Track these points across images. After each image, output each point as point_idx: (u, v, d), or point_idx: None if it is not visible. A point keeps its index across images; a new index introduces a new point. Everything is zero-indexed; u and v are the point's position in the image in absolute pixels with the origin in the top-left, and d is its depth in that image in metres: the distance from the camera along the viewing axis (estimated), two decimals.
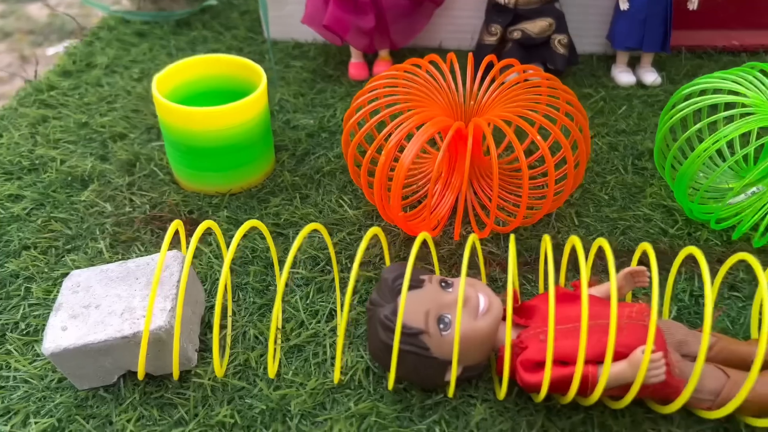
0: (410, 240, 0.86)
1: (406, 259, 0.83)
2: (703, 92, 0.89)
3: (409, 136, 0.80)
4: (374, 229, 0.67)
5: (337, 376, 0.66)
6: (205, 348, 0.73)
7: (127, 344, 0.65)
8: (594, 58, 1.26)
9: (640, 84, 1.18)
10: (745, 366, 0.63)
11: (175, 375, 0.67)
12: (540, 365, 0.60)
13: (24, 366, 0.71)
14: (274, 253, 0.76)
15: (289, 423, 0.65)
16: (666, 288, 0.73)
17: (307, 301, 0.78)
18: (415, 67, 0.90)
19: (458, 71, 0.91)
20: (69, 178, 0.96)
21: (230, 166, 0.91)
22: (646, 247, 0.63)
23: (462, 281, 0.60)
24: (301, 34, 1.30)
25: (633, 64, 1.21)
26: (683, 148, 0.91)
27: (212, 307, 0.78)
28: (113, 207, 0.91)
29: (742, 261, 0.69)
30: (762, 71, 0.86)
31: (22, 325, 0.75)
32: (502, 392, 0.63)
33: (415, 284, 0.64)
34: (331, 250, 0.74)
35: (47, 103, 1.13)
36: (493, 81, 0.90)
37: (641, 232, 0.87)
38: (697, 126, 0.84)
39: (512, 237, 0.66)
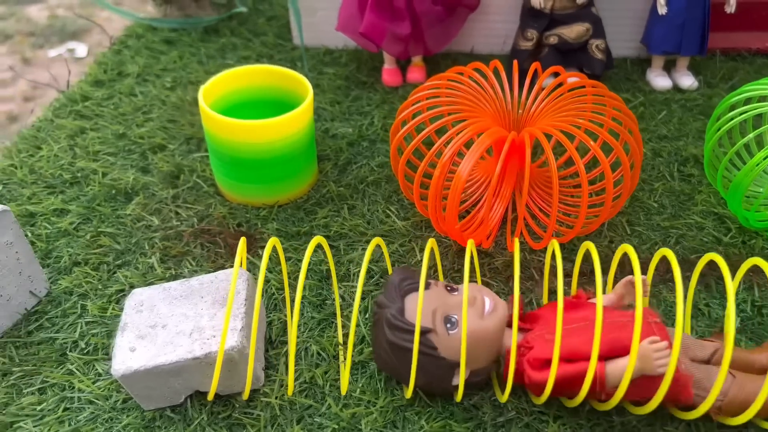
0: (462, 251, 0.86)
1: (459, 271, 0.83)
2: (748, 100, 0.88)
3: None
4: (432, 242, 0.66)
5: (410, 392, 0.66)
6: (268, 365, 0.72)
7: (198, 365, 0.64)
8: (628, 62, 1.25)
9: (676, 88, 1.18)
10: (750, 370, 0.64)
11: (246, 395, 0.66)
12: (548, 363, 0.61)
13: (88, 386, 0.70)
14: (333, 268, 0.76)
15: None
16: (687, 298, 0.73)
17: (366, 316, 0.78)
18: (458, 75, 0.90)
19: (505, 79, 0.91)
20: (113, 191, 0.95)
21: (277, 178, 0.91)
22: (715, 257, 0.62)
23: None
24: (332, 40, 1.29)
25: (668, 68, 1.21)
26: (732, 159, 0.91)
27: (271, 322, 0.77)
28: (160, 220, 0.91)
29: None
30: None
31: (82, 344, 0.75)
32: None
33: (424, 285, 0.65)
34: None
35: (83, 114, 1.12)
36: (541, 89, 0.90)
37: (695, 240, 0.86)
38: (747, 138, 0.84)
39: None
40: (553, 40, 1.15)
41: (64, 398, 0.69)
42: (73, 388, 0.70)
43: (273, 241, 0.67)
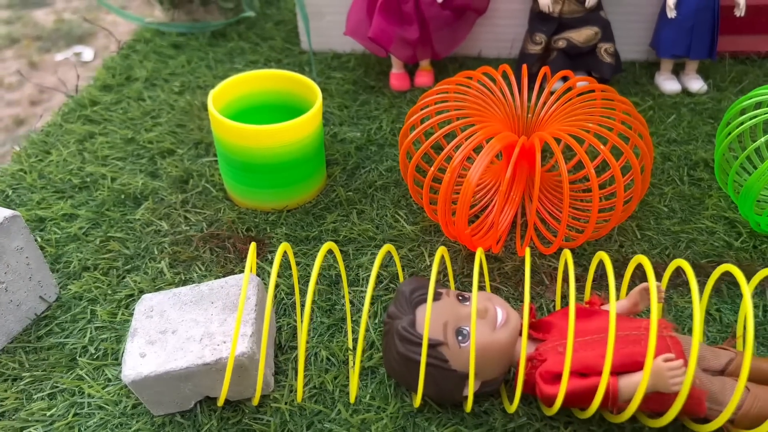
0: (472, 256, 0.85)
1: (469, 276, 0.82)
2: (758, 105, 0.88)
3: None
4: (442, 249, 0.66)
5: (418, 401, 0.65)
6: (277, 371, 0.72)
7: (208, 371, 0.64)
8: (636, 66, 1.25)
9: (685, 91, 1.17)
10: (762, 377, 0.63)
11: (256, 401, 0.66)
12: (560, 377, 0.60)
13: (98, 392, 0.70)
14: (343, 273, 0.75)
15: None
16: (702, 305, 0.72)
17: (376, 321, 0.78)
18: (467, 80, 0.90)
19: (514, 83, 0.91)
20: (122, 196, 0.95)
21: (286, 182, 0.91)
22: (730, 268, 0.62)
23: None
24: (340, 44, 1.29)
25: (677, 72, 1.20)
26: (743, 164, 0.91)
27: (280, 327, 0.77)
28: (169, 225, 0.91)
29: None
30: None
31: (91, 349, 0.75)
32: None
33: (434, 296, 0.64)
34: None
35: (91, 119, 1.12)
36: (550, 93, 0.90)
37: (706, 245, 0.86)
38: (758, 142, 0.84)
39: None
40: (561, 44, 1.15)
41: (74, 404, 0.69)
42: (83, 393, 0.70)
43: (284, 247, 0.66)
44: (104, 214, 0.93)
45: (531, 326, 0.67)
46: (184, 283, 0.82)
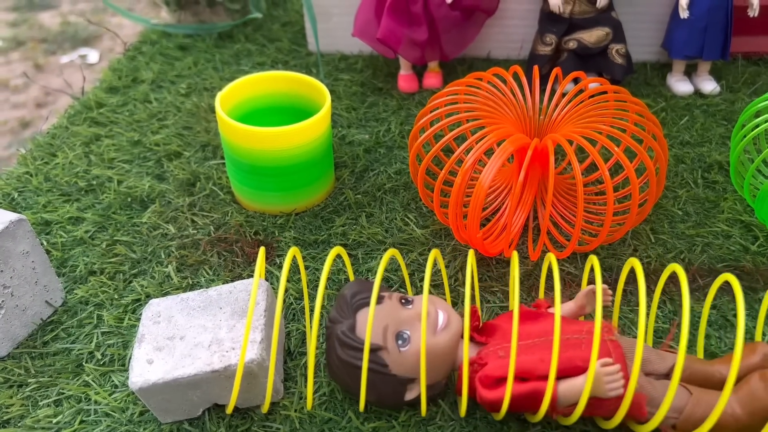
0: (482, 260, 0.84)
1: (481, 279, 0.81)
2: None
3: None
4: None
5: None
6: (286, 377, 0.71)
7: (217, 378, 0.63)
8: (648, 67, 1.23)
9: (698, 93, 1.16)
10: (706, 384, 0.62)
11: (265, 408, 0.65)
12: (499, 381, 0.60)
13: (104, 398, 0.69)
14: (351, 278, 0.74)
15: None
16: (651, 309, 0.71)
17: None
18: (477, 81, 0.89)
19: (525, 85, 0.89)
20: (128, 199, 0.94)
21: (295, 185, 0.89)
22: (729, 277, 0.60)
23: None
24: (347, 46, 1.28)
25: (689, 73, 1.19)
26: (759, 167, 0.89)
27: (289, 333, 0.76)
28: (176, 229, 0.89)
29: None
30: None
31: (98, 355, 0.74)
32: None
33: (376, 300, 0.63)
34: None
35: (98, 121, 1.11)
36: (562, 95, 0.88)
37: (722, 249, 0.84)
38: None
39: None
40: (572, 45, 1.13)
41: (81, 410, 0.68)
42: (90, 400, 0.69)
43: (293, 251, 0.65)
44: (111, 217, 0.91)
45: (475, 329, 0.66)
46: (192, 287, 0.81)
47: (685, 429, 0.60)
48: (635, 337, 0.73)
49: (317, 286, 0.80)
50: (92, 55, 2.41)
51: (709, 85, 1.15)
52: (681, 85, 1.16)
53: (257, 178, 0.88)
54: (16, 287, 0.73)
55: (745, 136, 0.85)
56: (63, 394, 0.70)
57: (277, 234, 0.89)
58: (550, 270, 0.77)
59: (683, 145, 1.03)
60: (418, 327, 0.62)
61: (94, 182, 0.97)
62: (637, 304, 0.77)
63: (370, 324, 0.59)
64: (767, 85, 1.16)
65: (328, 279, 0.82)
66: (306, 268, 0.83)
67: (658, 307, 0.77)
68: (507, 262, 0.84)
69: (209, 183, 0.97)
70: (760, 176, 0.91)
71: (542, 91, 0.90)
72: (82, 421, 0.67)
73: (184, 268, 0.84)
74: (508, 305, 0.78)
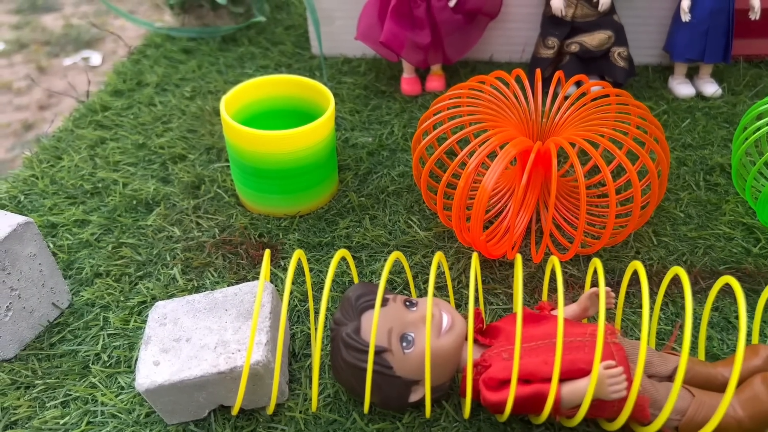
0: (485, 262, 0.85)
1: (484, 281, 0.81)
2: None
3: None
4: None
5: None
6: (291, 379, 0.71)
7: (223, 379, 0.63)
8: (650, 70, 1.24)
9: (699, 95, 1.16)
10: (709, 386, 0.62)
11: (270, 410, 0.66)
12: (503, 383, 0.60)
13: (111, 400, 0.69)
14: (356, 280, 0.75)
15: None
16: (702, 318, 0.71)
17: None
18: (480, 84, 0.89)
19: (528, 88, 0.90)
20: (134, 202, 0.95)
21: (299, 188, 0.90)
22: (730, 280, 0.60)
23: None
24: (350, 49, 1.29)
25: (690, 75, 1.19)
26: (761, 170, 0.90)
27: (294, 335, 0.76)
28: (181, 231, 0.90)
29: None
30: None
31: (104, 357, 0.74)
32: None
33: (380, 302, 0.63)
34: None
35: (103, 124, 1.12)
36: (565, 98, 0.89)
37: (724, 252, 0.85)
38: None
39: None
40: (574, 48, 1.14)
41: (88, 412, 0.69)
42: (96, 401, 0.70)
43: (298, 254, 0.66)
44: (116, 219, 0.92)
45: (478, 332, 0.67)
46: (197, 289, 0.82)
47: (688, 431, 0.60)
48: (638, 338, 0.73)
49: (322, 288, 0.81)
50: (95, 58, 2.42)
51: (711, 88, 1.16)
52: (683, 88, 1.16)
53: (262, 181, 0.89)
54: (24, 289, 0.73)
55: (746, 139, 0.85)
56: (70, 395, 0.70)
57: (281, 236, 0.89)
58: (552, 272, 0.78)
59: (685, 147, 1.04)
60: (422, 329, 0.63)
61: (100, 185, 0.98)
62: (640, 306, 0.78)
63: (375, 325, 0.60)
64: None
65: (333, 281, 0.82)
66: (310, 270, 0.83)
67: (661, 309, 0.78)
68: (510, 264, 0.85)
69: (214, 186, 0.98)
70: (762, 179, 0.91)
71: (545, 94, 0.91)
72: (89, 423, 0.68)
73: (190, 270, 0.85)
74: (512, 307, 0.79)
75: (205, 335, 0.66)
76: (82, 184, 0.98)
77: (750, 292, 0.79)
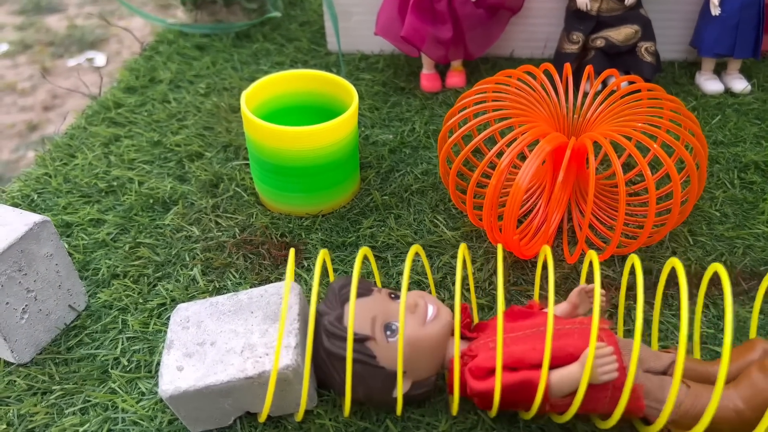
0: (516, 262, 0.82)
1: (514, 284, 0.78)
2: None
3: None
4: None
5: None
6: (320, 384, 0.68)
7: (250, 385, 0.60)
8: (675, 66, 1.21)
9: (728, 92, 1.13)
10: (707, 382, 0.60)
11: (299, 416, 0.63)
12: (490, 372, 0.58)
13: (132, 406, 0.67)
14: (378, 281, 0.72)
15: None
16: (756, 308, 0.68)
17: None
18: (507, 78, 0.86)
19: (558, 82, 0.87)
20: (150, 201, 0.92)
21: (321, 186, 0.87)
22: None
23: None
24: (367, 45, 1.26)
25: (717, 71, 1.16)
26: None
27: None
28: (200, 231, 0.87)
29: None
30: None
31: (124, 361, 0.71)
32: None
33: (363, 292, 0.63)
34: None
35: (116, 122, 1.09)
36: (596, 94, 0.86)
37: (765, 251, 0.82)
38: None
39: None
40: (599, 43, 1.11)
41: (108, 419, 0.66)
42: (117, 408, 0.67)
43: (324, 254, 0.63)
44: (132, 219, 0.89)
45: (467, 327, 0.65)
46: (218, 291, 0.79)
47: (684, 424, 0.57)
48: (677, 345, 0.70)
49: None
50: (99, 58, 2.40)
51: (740, 84, 1.12)
52: (711, 84, 1.13)
53: (283, 179, 0.86)
54: (40, 291, 0.71)
55: None
56: (89, 401, 0.67)
57: (303, 236, 0.86)
58: (589, 268, 0.75)
59: (716, 144, 1.01)
60: (406, 317, 0.61)
61: (115, 183, 0.95)
62: (679, 308, 0.75)
63: (352, 307, 0.58)
64: None
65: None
66: (335, 271, 0.81)
67: (702, 312, 0.74)
68: (542, 265, 0.81)
69: (232, 184, 0.95)
70: None
71: (577, 89, 0.87)
72: (109, 430, 0.65)
73: (210, 271, 0.82)
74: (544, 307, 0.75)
75: (231, 339, 0.64)
76: (97, 182, 0.95)
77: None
